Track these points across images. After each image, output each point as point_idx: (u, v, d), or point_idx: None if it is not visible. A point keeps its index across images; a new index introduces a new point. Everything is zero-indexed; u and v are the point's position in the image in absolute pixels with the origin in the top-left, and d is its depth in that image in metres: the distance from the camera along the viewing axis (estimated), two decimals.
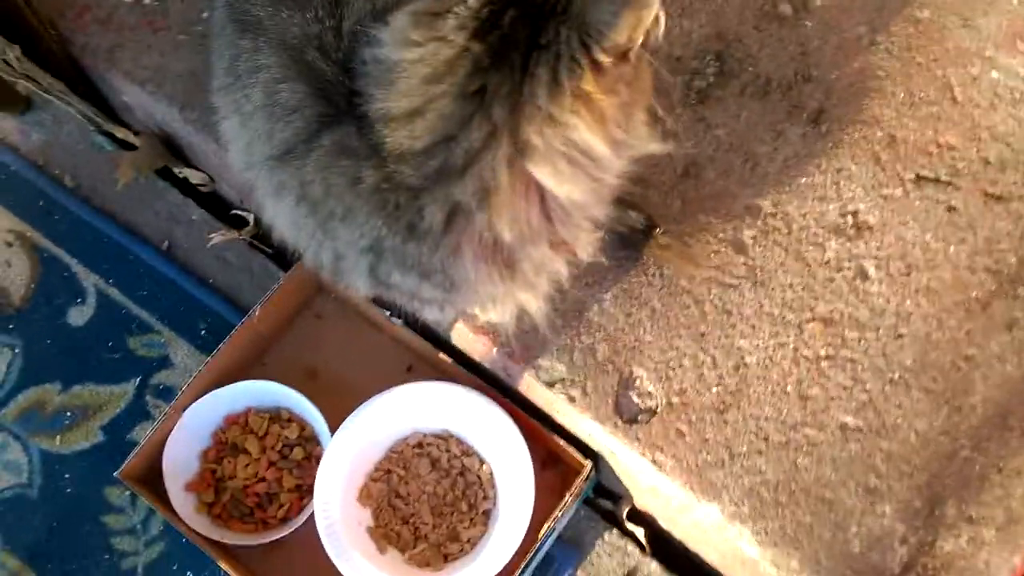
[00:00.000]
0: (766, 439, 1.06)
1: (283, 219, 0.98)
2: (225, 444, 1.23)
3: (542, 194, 0.81)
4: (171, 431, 1.20)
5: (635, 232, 1.09)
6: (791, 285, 1.11)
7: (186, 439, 1.21)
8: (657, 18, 0.77)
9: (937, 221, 1.12)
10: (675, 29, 1.23)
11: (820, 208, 1.14)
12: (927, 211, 1.12)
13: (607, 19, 0.74)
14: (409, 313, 1.16)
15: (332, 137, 0.86)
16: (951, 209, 1.12)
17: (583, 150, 0.78)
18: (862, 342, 1.08)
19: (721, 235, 1.14)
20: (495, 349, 1.14)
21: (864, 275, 1.11)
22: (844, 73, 1.19)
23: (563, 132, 0.77)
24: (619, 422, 1.09)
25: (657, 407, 1.09)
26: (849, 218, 1.13)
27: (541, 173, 0.79)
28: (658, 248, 1.11)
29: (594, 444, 1.14)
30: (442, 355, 1.20)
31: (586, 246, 0.93)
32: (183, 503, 1.18)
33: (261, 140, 0.93)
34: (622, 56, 0.77)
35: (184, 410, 1.21)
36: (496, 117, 0.77)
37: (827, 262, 1.12)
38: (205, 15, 1.34)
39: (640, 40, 0.77)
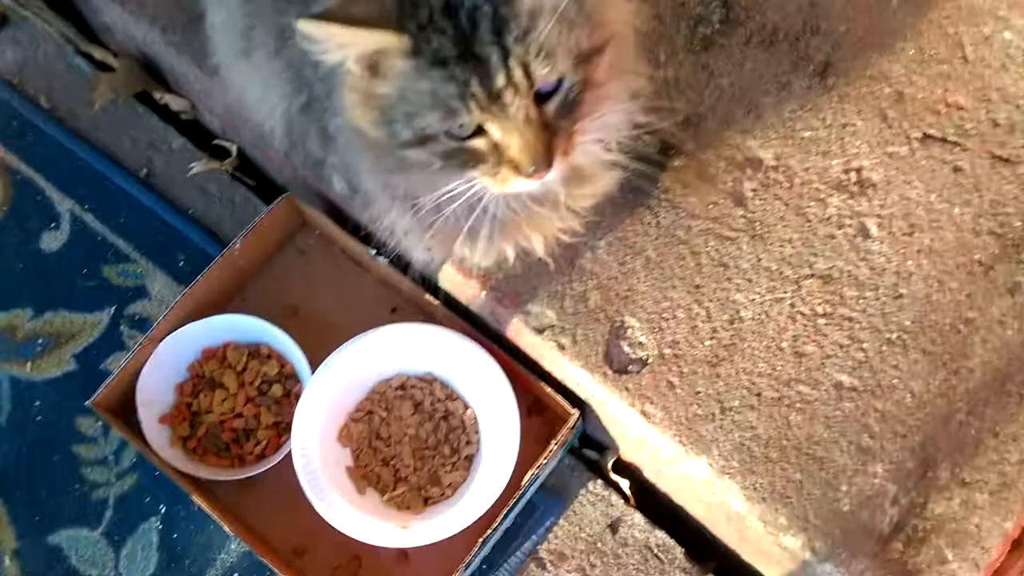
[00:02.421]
0: (758, 394, 1.04)
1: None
2: (202, 378, 1.20)
3: None
4: (146, 362, 1.16)
5: (650, 159, 1.06)
6: (790, 240, 1.09)
7: (162, 371, 1.18)
8: None
9: (943, 181, 1.09)
10: None
11: (823, 163, 1.11)
12: (933, 171, 1.10)
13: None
14: (394, 252, 1.12)
15: None
16: (957, 170, 1.10)
17: None
18: (860, 301, 1.06)
19: (721, 186, 1.11)
20: (483, 293, 1.11)
21: (865, 233, 1.08)
22: (853, 26, 1.15)
23: None
24: (609, 372, 1.06)
25: (648, 358, 1.06)
26: (852, 175, 1.10)
27: None
28: (675, 171, 1.08)
29: (582, 393, 1.11)
30: (428, 297, 1.17)
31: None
32: (157, 435, 1.15)
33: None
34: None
35: (160, 341, 1.17)
36: None
37: (828, 218, 1.09)
38: None
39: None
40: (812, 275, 1.07)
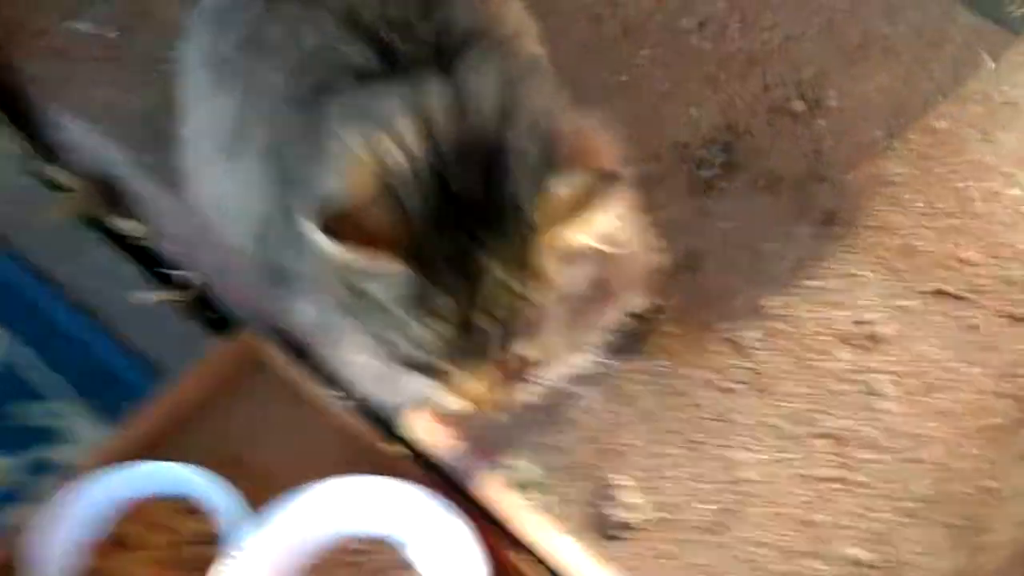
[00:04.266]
0: (764, 568, 0.93)
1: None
2: (116, 537, 1.04)
3: None
4: (51, 517, 1.01)
5: (637, 320, 0.99)
6: (797, 395, 1.01)
7: (69, 528, 1.02)
8: None
9: (957, 339, 1.04)
10: (682, 117, 1.17)
11: (831, 314, 1.05)
12: (946, 328, 1.04)
13: None
14: (362, 396, 1.01)
15: None
16: (972, 327, 1.04)
17: None
18: (875, 465, 0.97)
19: (722, 335, 1.03)
20: (458, 441, 1.01)
21: (878, 391, 1.01)
22: (858, 176, 1.13)
23: None
24: (596, 537, 0.96)
25: (641, 523, 0.96)
26: (863, 328, 1.04)
27: None
28: (661, 337, 1.02)
29: (563, 560, 0.99)
30: (393, 447, 1.05)
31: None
32: None
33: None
34: None
35: (71, 492, 1.02)
36: None
37: (837, 373, 1.02)
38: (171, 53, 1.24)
39: None
40: (821, 434, 0.99)
